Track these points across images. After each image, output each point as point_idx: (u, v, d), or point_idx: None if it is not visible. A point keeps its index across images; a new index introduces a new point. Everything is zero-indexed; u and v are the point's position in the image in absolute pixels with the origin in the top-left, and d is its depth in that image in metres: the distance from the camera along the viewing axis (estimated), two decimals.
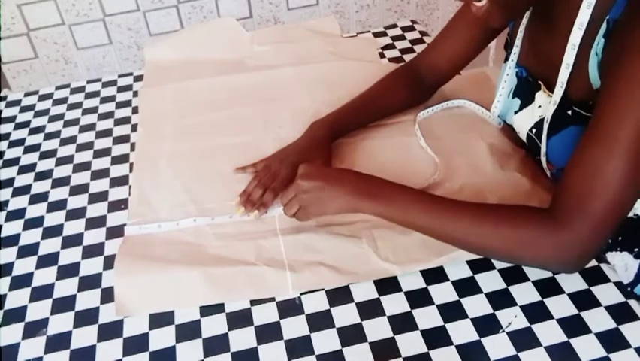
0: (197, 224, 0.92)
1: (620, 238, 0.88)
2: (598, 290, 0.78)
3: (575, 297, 0.78)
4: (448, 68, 1.06)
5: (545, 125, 0.83)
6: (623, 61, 0.67)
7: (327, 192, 0.81)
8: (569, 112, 0.79)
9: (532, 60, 0.89)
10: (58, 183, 1.04)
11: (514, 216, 0.74)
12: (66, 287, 0.86)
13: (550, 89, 0.83)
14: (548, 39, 0.83)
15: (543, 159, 0.86)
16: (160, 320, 0.80)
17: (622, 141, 0.66)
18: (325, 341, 0.75)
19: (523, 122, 0.91)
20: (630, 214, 0.85)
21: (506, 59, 0.95)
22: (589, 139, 0.70)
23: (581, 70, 0.76)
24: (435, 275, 0.82)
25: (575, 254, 0.72)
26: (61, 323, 0.81)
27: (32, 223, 0.97)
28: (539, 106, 0.86)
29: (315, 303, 0.80)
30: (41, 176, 1.06)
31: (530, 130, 0.89)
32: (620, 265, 0.89)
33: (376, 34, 1.37)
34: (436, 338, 0.74)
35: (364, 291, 0.81)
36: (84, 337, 0.79)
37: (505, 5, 0.74)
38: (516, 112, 0.93)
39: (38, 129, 1.18)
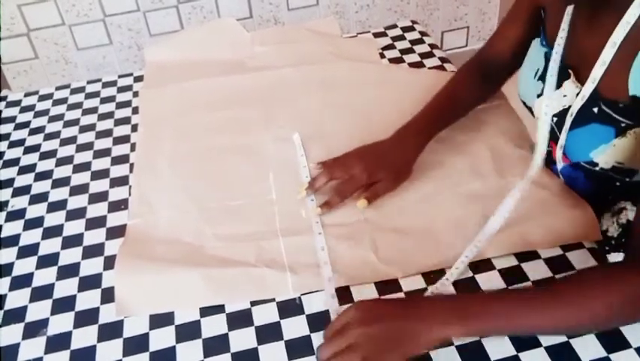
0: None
1: (623, 240, 0.88)
2: None
3: None
4: (513, 56, 1.01)
5: (569, 119, 0.81)
6: None
7: (402, 332, 0.65)
8: (595, 109, 0.77)
9: (567, 46, 0.86)
10: (59, 183, 1.04)
11: (609, 284, 0.67)
12: (66, 287, 0.86)
13: (580, 80, 0.81)
14: (588, 31, 0.81)
15: (559, 152, 0.85)
16: (160, 320, 0.80)
17: None
18: None
19: (545, 109, 0.87)
20: (633, 218, 0.85)
21: (537, 35, 0.92)
22: None
23: (621, 70, 0.74)
24: (434, 276, 0.82)
25: None
26: (61, 323, 0.81)
27: (32, 224, 0.97)
28: (565, 95, 0.84)
29: (315, 303, 0.80)
30: (41, 176, 1.06)
31: (552, 118, 0.86)
32: None
33: (376, 35, 1.37)
34: None
35: (364, 291, 0.81)
36: (84, 337, 0.79)
37: None
38: (539, 95, 0.89)
39: (38, 130, 1.18)
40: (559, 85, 0.86)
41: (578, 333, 0.71)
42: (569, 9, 0.85)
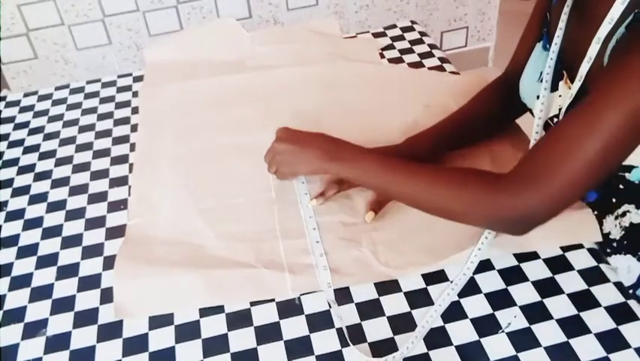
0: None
1: (625, 242, 0.88)
2: (597, 290, 0.78)
3: (574, 297, 0.78)
4: None
5: (561, 118, 0.81)
6: (632, 47, 0.66)
7: (297, 155, 0.87)
8: None
9: (564, 48, 0.85)
10: (58, 183, 1.04)
11: (467, 176, 0.76)
12: (66, 288, 0.86)
13: (572, 80, 0.81)
14: (579, 29, 0.81)
15: None
16: (159, 320, 0.80)
17: (606, 123, 0.66)
18: (325, 342, 0.75)
19: (545, 109, 0.87)
20: (636, 221, 0.85)
21: (540, 39, 0.91)
22: (574, 113, 0.70)
23: (600, 62, 0.74)
24: (434, 276, 0.82)
25: (515, 218, 0.73)
26: (60, 323, 0.81)
27: (32, 224, 0.97)
28: (560, 95, 0.84)
29: (315, 303, 0.80)
30: (41, 176, 1.06)
31: (551, 119, 0.86)
32: (623, 267, 0.89)
33: (376, 35, 1.37)
34: (436, 338, 0.75)
35: (364, 291, 0.81)
36: (84, 337, 0.79)
37: None
38: (538, 97, 0.88)
39: (38, 130, 1.18)
40: (555, 86, 0.86)
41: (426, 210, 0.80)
42: (566, 9, 0.85)
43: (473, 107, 1.00)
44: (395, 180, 0.80)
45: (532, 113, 0.94)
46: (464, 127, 0.99)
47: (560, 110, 0.84)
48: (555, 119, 0.86)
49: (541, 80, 0.88)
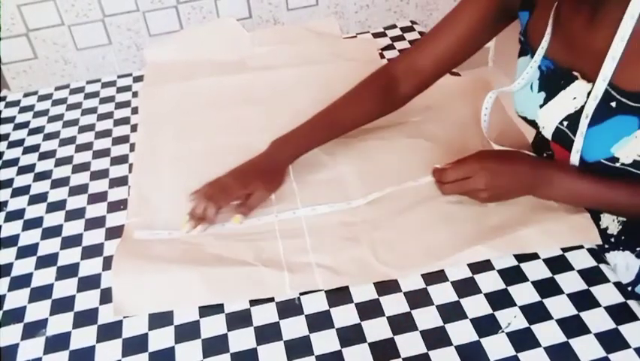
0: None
1: (623, 238, 0.88)
2: (597, 291, 0.78)
3: (574, 297, 0.78)
4: (433, 70, 0.99)
5: (585, 122, 0.80)
6: None
7: (507, 184, 0.85)
8: (613, 104, 0.77)
9: (562, 51, 0.84)
10: (58, 183, 1.04)
11: None
12: (65, 288, 0.86)
13: (587, 79, 0.81)
14: (587, 29, 0.80)
15: (576, 156, 0.83)
16: (159, 320, 0.80)
17: None
18: (325, 342, 0.75)
19: (552, 116, 0.86)
20: None
21: (522, 53, 0.91)
22: None
23: (638, 60, 0.74)
24: (434, 276, 0.82)
25: None
26: (60, 323, 0.81)
27: (32, 224, 0.97)
28: (574, 98, 0.83)
29: (315, 303, 0.80)
30: (41, 176, 1.06)
31: (561, 123, 0.85)
32: (622, 264, 0.89)
33: (376, 35, 1.37)
34: (436, 338, 0.75)
35: (364, 291, 0.81)
36: (83, 337, 0.79)
37: None
38: (541, 106, 0.87)
39: (38, 130, 1.18)
40: (556, 91, 0.85)
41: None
42: (552, 16, 0.84)
43: (339, 108, 1.00)
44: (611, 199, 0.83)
45: (528, 124, 0.93)
46: (329, 128, 1.00)
47: (575, 110, 0.82)
48: (566, 122, 0.84)
49: (539, 91, 0.88)
